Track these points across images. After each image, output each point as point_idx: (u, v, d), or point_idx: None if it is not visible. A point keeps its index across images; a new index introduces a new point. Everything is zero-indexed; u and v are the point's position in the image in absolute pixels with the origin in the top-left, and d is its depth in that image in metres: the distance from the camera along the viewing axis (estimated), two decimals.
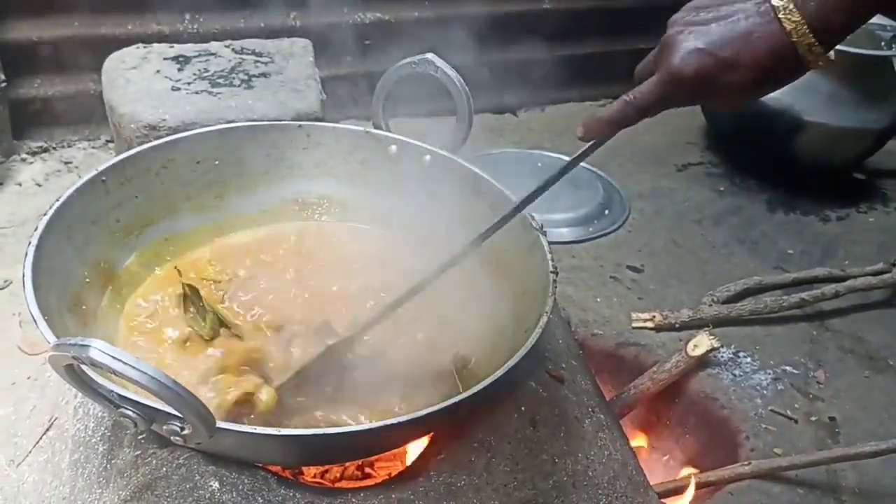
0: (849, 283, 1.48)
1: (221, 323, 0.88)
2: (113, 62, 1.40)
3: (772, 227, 1.74)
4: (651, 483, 1.01)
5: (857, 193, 1.92)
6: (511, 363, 0.74)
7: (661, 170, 1.93)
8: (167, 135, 1.22)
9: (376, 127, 1.08)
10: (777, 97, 1.75)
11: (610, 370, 1.31)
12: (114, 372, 0.57)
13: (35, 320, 0.71)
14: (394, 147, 1.06)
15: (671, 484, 1.09)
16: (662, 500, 1.01)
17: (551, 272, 0.86)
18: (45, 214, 0.85)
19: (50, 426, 0.98)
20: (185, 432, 0.64)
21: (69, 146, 1.69)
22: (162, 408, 0.64)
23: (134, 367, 0.56)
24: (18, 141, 1.66)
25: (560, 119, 2.10)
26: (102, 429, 0.87)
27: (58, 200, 0.87)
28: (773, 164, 1.88)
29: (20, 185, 1.57)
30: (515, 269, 0.94)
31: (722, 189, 1.88)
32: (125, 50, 1.43)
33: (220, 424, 0.63)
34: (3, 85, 1.56)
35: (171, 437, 0.67)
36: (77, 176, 1.61)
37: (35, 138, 1.68)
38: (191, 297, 0.90)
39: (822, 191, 1.87)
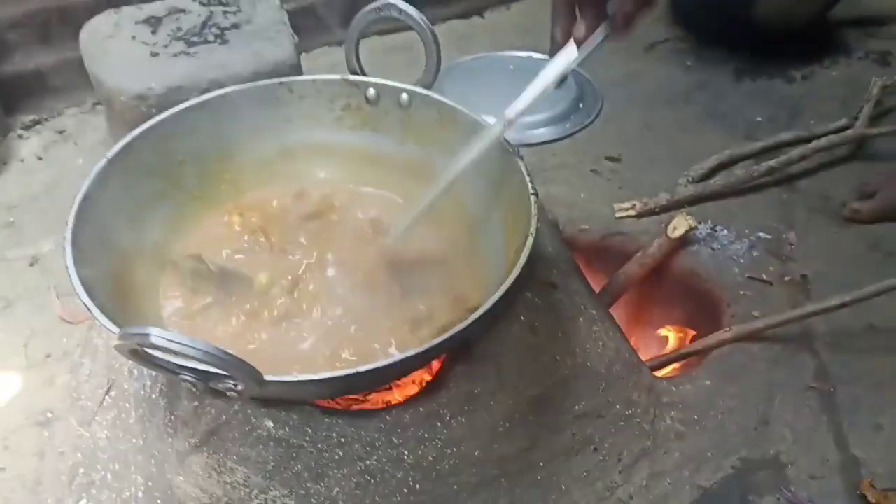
0: (813, 144, 1.56)
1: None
2: (89, 33, 1.43)
3: (740, 98, 1.81)
4: (644, 359, 1.14)
5: (820, 49, 1.97)
6: (504, 287, 0.83)
7: (630, 52, 1.98)
8: (156, 103, 1.29)
9: (352, 72, 1.15)
10: None
11: (599, 261, 1.42)
12: (173, 352, 0.67)
13: (91, 311, 0.80)
14: (372, 90, 1.13)
15: (663, 358, 1.22)
16: (655, 374, 1.14)
17: (532, 194, 0.95)
18: (72, 207, 0.92)
19: (109, 388, 1.10)
20: (239, 388, 0.75)
21: (59, 115, 1.75)
22: (213, 371, 0.75)
23: (190, 346, 0.66)
24: (11, 117, 1.71)
25: (527, 15, 2.13)
26: (159, 386, 0.99)
27: (79, 193, 0.94)
28: (736, 32, 1.93)
29: (22, 160, 1.64)
30: (500, 192, 1.03)
31: (689, 64, 1.94)
32: (97, 18, 1.47)
33: (267, 377, 0.74)
34: None
35: (227, 392, 0.78)
36: (74, 143, 1.68)
37: (26, 112, 1.73)
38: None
39: (787, 52, 1.93)
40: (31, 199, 1.55)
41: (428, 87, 1.11)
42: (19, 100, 1.73)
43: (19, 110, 1.73)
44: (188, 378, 0.77)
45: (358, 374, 0.78)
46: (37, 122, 1.73)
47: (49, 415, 1.15)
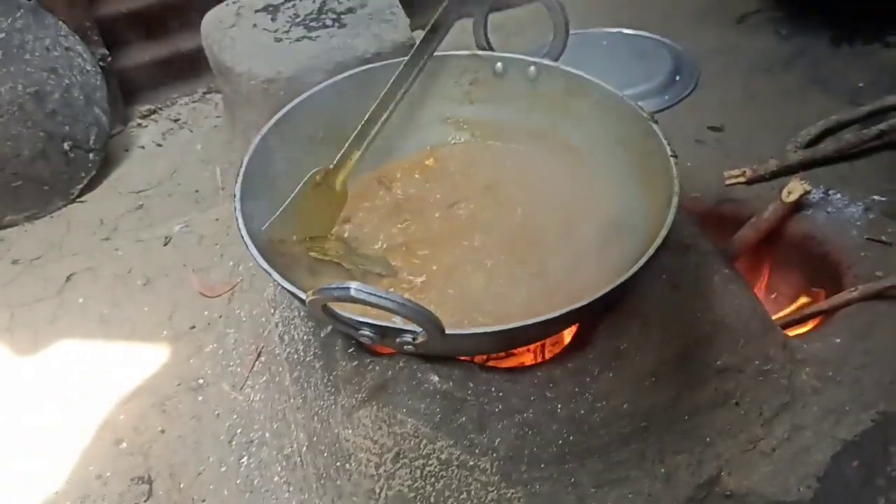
0: None
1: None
2: (211, 23, 1.51)
3: (839, 63, 1.80)
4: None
5: None
6: (657, 242, 0.87)
7: (722, 24, 1.98)
8: (284, 86, 1.35)
9: (479, 48, 1.19)
10: None
11: (713, 227, 1.43)
12: (370, 304, 0.72)
13: (272, 276, 0.86)
14: (499, 64, 1.17)
15: (789, 318, 1.24)
16: (785, 332, 1.16)
17: (671, 156, 0.98)
18: (236, 187, 0.98)
19: (259, 353, 1.17)
20: (418, 341, 0.80)
21: (172, 104, 1.84)
22: (396, 326, 0.80)
23: (387, 298, 0.72)
24: (129, 108, 1.80)
25: None
26: (313, 349, 1.04)
27: (241, 168, 1.00)
28: None
29: (143, 147, 1.73)
30: (637, 158, 1.05)
31: (784, 33, 1.93)
32: (217, 9, 1.54)
33: (449, 331, 0.78)
34: (109, 59, 1.69)
35: (404, 347, 0.83)
36: (189, 131, 1.76)
37: (142, 102, 1.83)
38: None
39: (882, 16, 1.90)
40: (156, 184, 1.63)
41: (555, 59, 1.15)
42: (135, 91, 1.82)
43: (136, 101, 1.83)
44: (367, 334, 0.82)
45: (524, 326, 0.82)
46: (152, 112, 1.82)
47: (200, 381, 1.23)
